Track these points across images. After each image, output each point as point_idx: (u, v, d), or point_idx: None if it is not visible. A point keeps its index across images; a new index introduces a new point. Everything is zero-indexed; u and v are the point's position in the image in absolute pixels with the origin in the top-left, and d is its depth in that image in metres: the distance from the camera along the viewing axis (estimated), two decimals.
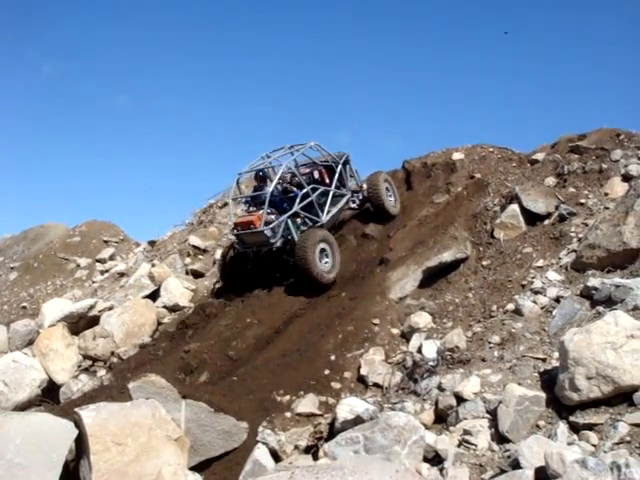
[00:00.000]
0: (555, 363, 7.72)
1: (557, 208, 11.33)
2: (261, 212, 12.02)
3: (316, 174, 13.65)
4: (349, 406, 8.04)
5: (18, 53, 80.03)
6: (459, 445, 7.19)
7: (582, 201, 11.19)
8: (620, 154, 11.70)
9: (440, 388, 8.30)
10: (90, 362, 12.37)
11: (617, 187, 11.03)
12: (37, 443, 6.66)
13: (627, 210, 9.87)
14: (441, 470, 6.81)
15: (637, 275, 8.72)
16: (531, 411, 7.14)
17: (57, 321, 12.83)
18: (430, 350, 9.34)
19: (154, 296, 13.92)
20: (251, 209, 12.80)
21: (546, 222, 11.32)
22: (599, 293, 8.62)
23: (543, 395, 7.31)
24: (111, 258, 19.27)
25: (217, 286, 13.91)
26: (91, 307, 13.08)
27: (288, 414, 8.86)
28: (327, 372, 9.66)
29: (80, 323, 12.91)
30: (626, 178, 11.05)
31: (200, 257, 15.33)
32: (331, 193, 13.41)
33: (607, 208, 10.58)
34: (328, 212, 13.12)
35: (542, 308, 9.27)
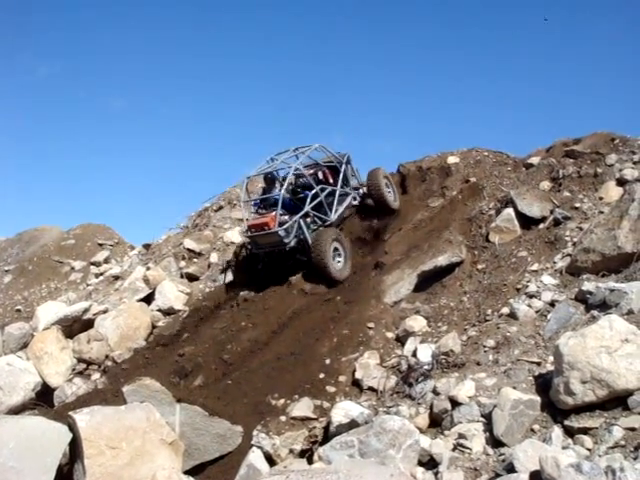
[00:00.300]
0: (550, 367, 7.73)
1: (552, 212, 11.35)
2: (274, 213, 12.26)
3: (320, 174, 13.92)
4: (344, 410, 8.03)
5: (14, 54, 79.92)
6: (454, 449, 7.19)
7: (577, 205, 11.20)
8: (615, 158, 11.73)
9: (435, 392, 8.30)
10: (84, 365, 12.30)
11: (612, 191, 11.05)
12: (31, 447, 6.63)
13: (622, 214, 9.90)
14: (436, 474, 6.80)
15: (632, 279, 8.74)
16: (526, 415, 7.15)
17: (51, 324, 12.77)
18: (425, 354, 9.35)
19: (149, 299, 13.89)
20: (260, 211, 13.04)
21: (541, 226, 11.35)
22: (594, 297, 8.64)
23: (538, 399, 7.32)
24: (106, 261, 19.23)
25: (226, 285, 13.87)
26: (85, 310, 13.02)
27: (283, 418, 8.86)
28: (322, 376, 9.67)
29: (74, 326, 12.85)
30: (621, 182, 11.07)
31: (195, 260, 15.31)
32: (337, 192, 13.75)
33: (602, 212, 10.61)
34: (336, 211, 13.48)
35: (537, 312, 9.28)
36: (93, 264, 19.14)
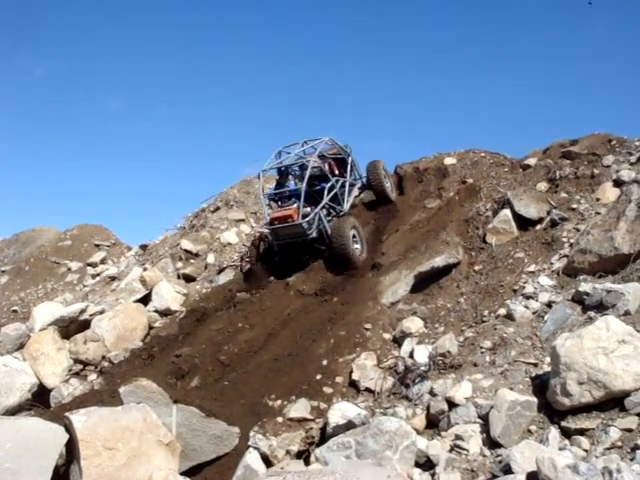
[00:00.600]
0: (547, 368, 7.73)
1: (549, 213, 11.36)
2: (296, 205, 12.76)
3: (326, 166, 14.14)
4: (341, 411, 8.03)
5: (10, 55, 79.91)
6: (451, 450, 7.18)
7: (574, 206, 11.22)
8: (612, 159, 11.75)
9: (432, 393, 8.31)
10: (81, 366, 12.27)
11: (609, 192, 11.06)
12: (27, 448, 6.62)
13: (618, 215, 9.91)
14: (433, 475, 6.81)
15: (628, 280, 8.74)
16: (523, 416, 7.15)
17: (48, 325, 12.74)
18: (422, 355, 9.34)
19: (145, 300, 13.87)
20: (279, 204, 13.36)
21: (538, 227, 11.36)
22: (590, 298, 8.64)
23: (535, 400, 7.32)
24: (102, 262, 19.22)
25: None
26: (82, 311, 13.00)
27: (280, 419, 8.84)
28: (319, 377, 9.65)
29: (71, 327, 12.82)
30: (618, 183, 11.07)
31: (192, 261, 15.29)
32: (347, 183, 14.36)
33: (599, 213, 10.61)
34: (347, 201, 14.13)
35: (534, 313, 9.29)
36: (90, 265, 19.12)
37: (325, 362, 9.94)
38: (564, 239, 10.63)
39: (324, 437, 7.95)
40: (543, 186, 12.18)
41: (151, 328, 13.13)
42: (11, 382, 11.29)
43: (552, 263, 10.32)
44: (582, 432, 6.67)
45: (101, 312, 13.21)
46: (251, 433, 8.48)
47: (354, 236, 12.91)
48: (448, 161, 15.19)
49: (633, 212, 9.79)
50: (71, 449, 7.00)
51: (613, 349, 6.87)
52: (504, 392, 7.40)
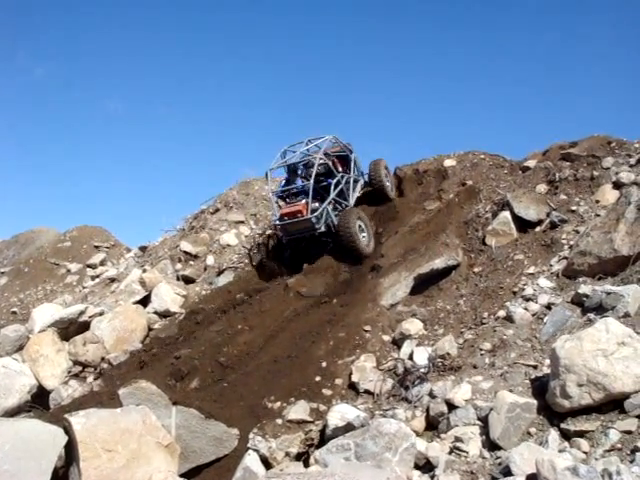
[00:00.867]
0: (546, 370, 7.72)
1: (548, 215, 11.36)
2: (304, 201, 13.13)
3: (330, 164, 14.34)
4: (340, 413, 8.02)
5: (10, 55, 79.95)
6: (450, 452, 7.17)
7: (573, 208, 11.22)
8: (611, 162, 11.75)
9: (431, 395, 8.29)
10: (80, 368, 12.28)
11: (608, 194, 11.06)
12: (26, 450, 6.61)
13: (618, 217, 9.90)
14: (432, 477, 6.79)
15: (628, 282, 8.73)
16: (522, 418, 7.14)
17: (47, 326, 12.74)
18: (421, 357, 9.34)
19: (145, 302, 13.88)
20: (288, 200, 13.75)
21: (537, 229, 11.36)
22: (590, 300, 8.64)
23: (534, 402, 7.31)
24: (102, 263, 19.24)
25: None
26: (81, 313, 13.00)
27: (279, 421, 8.84)
28: (318, 379, 9.65)
29: (70, 329, 12.83)
30: (617, 185, 11.08)
31: (191, 263, 15.30)
32: (352, 179, 14.76)
33: (598, 215, 10.61)
34: (352, 197, 14.55)
35: (533, 315, 9.28)
36: (89, 266, 19.13)
37: (324, 364, 9.93)
38: (563, 241, 10.63)
39: (323, 439, 7.93)
40: (542, 188, 12.18)
41: (150, 330, 13.13)
42: (10, 384, 11.30)
43: (552, 265, 10.31)
44: (582, 434, 6.66)
45: (100, 314, 13.22)
46: (250, 435, 8.47)
47: (360, 226, 13.27)
48: (448, 163, 15.20)
49: (632, 214, 9.78)
50: (70, 451, 6.99)
51: (613, 351, 6.86)
52: (504, 394, 7.39)
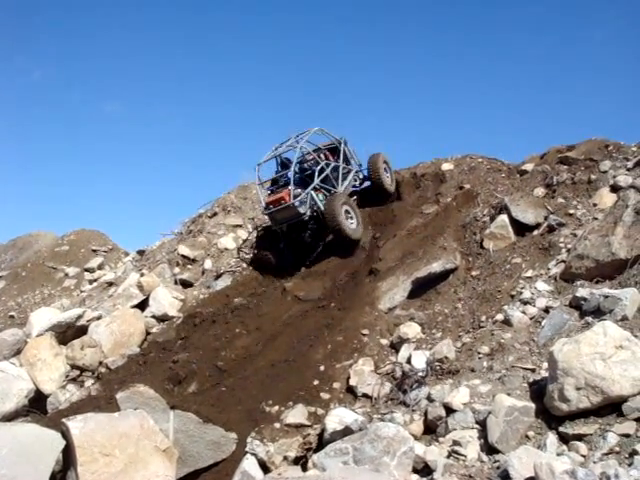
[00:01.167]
0: (544, 373, 7.73)
1: (546, 219, 11.36)
2: (288, 189, 13.50)
3: (322, 156, 15.00)
4: (338, 417, 8.01)
5: (9, 57, 79.97)
6: (448, 456, 7.17)
7: (571, 212, 11.21)
8: (609, 165, 11.75)
9: (429, 399, 8.29)
10: (78, 372, 12.24)
11: (606, 198, 11.06)
12: (24, 454, 6.60)
13: (616, 221, 9.91)
14: None
15: (626, 285, 8.74)
16: (520, 422, 7.14)
17: (45, 330, 12.70)
18: (419, 361, 9.34)
19: (143, 306, 13.85)
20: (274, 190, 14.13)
21: (535, 232, 11.35)
22: (588, 303, 8.64)
23: (532, 405, 7.31)
24: (100, 267, 19.22)
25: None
26: (79, 317, 12.97)
27: (277, 425, 8.83)
28: (316, 383, 9.64)
29: (68, 333, 12.79)
30: (615, 189, 11.08)
31: (189, 267, 15.27)
32: (340, 168, 14.99)
33: (596, 219, 10.61)
34: (342, 184, 14.79)
35: (531, 318, 9.28)
36: (87, 270, 19.12)
37: (322, 368, 9.92)
38: (561, 244, 10.62)
39: (321, 443, 7.92)
40: (540, 191, 12.18)
41: (148, 334, 13.10)
42: (8, 388, 11.27)
43: (549, 268, 10.31)
44: (580, 437, 6.66)
45: (98, 318, 13.19)
46: (248, 439, 8.46)
47: (347, 211, 13.59)
48: (445, 166, 15.23)
49: (630, 217, 9.80)
50: (68, 455, 6.98)
51: (611, 354, 6.87)
52: (502, 398, 7.39)
